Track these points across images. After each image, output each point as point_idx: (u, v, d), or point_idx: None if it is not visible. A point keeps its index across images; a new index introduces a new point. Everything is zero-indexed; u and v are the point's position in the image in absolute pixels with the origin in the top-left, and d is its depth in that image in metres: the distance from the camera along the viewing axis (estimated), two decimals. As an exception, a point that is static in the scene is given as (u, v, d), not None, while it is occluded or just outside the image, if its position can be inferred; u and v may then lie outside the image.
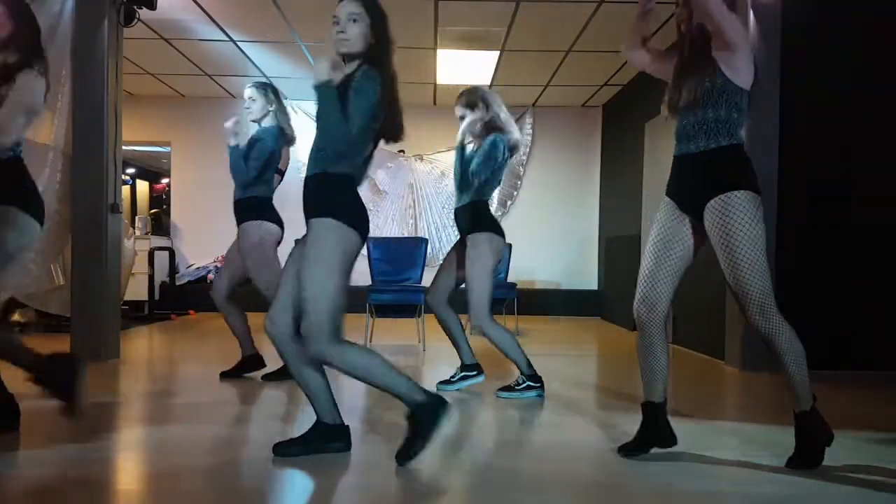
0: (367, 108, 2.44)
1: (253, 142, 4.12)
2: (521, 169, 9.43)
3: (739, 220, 2.45)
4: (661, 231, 2.64)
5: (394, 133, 2.60)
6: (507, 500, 2.26)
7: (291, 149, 4.45)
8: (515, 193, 9.43)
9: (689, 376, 4.51)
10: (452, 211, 4.07)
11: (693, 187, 2.56)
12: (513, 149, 3.86)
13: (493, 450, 3.00)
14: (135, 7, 4.96)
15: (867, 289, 4.89)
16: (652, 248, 2.64)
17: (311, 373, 2.61)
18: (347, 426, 2.70)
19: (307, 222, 2.54)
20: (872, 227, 4.91)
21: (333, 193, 2.51)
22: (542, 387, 3.85)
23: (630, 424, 3.06)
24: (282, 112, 4.20)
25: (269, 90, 4.20)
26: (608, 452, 2.72)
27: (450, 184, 8.92)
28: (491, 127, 3.84)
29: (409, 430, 2.53)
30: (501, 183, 4.14)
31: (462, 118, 3.87)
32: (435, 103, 9.06)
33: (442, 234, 9.24)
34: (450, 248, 4.11)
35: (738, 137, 2.52)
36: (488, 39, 6.70)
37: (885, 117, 4.92)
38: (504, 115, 3.86)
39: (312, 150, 2.54)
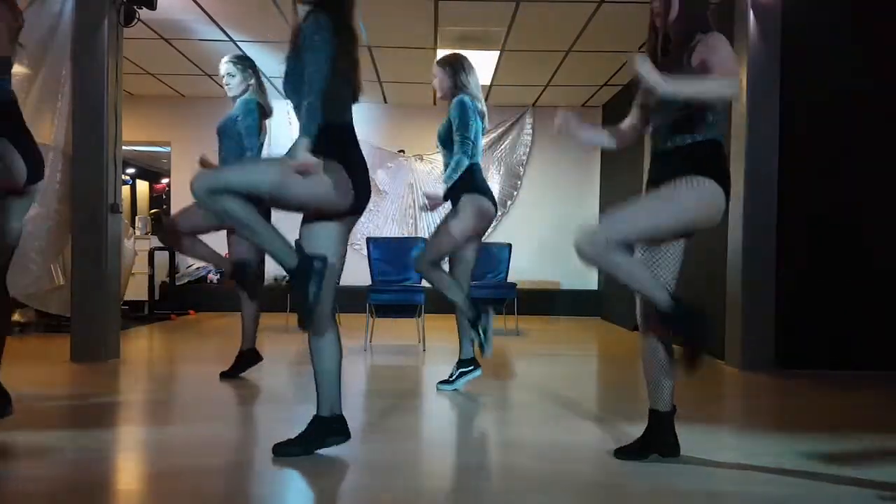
0: (326, 56, 2.51)
1: (234, 119, 4.07)
2: (521, 169, 9.42)
3: (689, 194, 2.41)
4: None
5: (353, 91, 2.68)
6: (507, 500, 2.26)
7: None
8: (515, 193, 9.42)
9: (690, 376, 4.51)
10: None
11: (666, 177, 2.50)
12: (481, 115, 3.97)
13: (493, 450, 3.00)
14: (135, 7, 4.96)
15: (867, 289, 4.89)
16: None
17: (328, 357, 2.62)
18: (342, 416, 2.67)
19: None
20: (872, 227, 4.91)
21: (332, 144, 2.55)
22: (486, 321, 3.84)
23: (630, 425, 3.06)
24: (259, 86, 4.17)
25: (246, 64, 4.16)
26: (608, 452, 2.71)
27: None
28: (460, 89, 3.95)
29: (292, 296, 2.55)
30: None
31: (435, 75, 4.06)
32: (435, 103, 9.05)
33: (442, 234, 9.23)
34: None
35: (714, 133, 2.49)
36: (488, 39, 6.70)
37: (885, 117, 4.91)
38: (473, 86, 3.96)
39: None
